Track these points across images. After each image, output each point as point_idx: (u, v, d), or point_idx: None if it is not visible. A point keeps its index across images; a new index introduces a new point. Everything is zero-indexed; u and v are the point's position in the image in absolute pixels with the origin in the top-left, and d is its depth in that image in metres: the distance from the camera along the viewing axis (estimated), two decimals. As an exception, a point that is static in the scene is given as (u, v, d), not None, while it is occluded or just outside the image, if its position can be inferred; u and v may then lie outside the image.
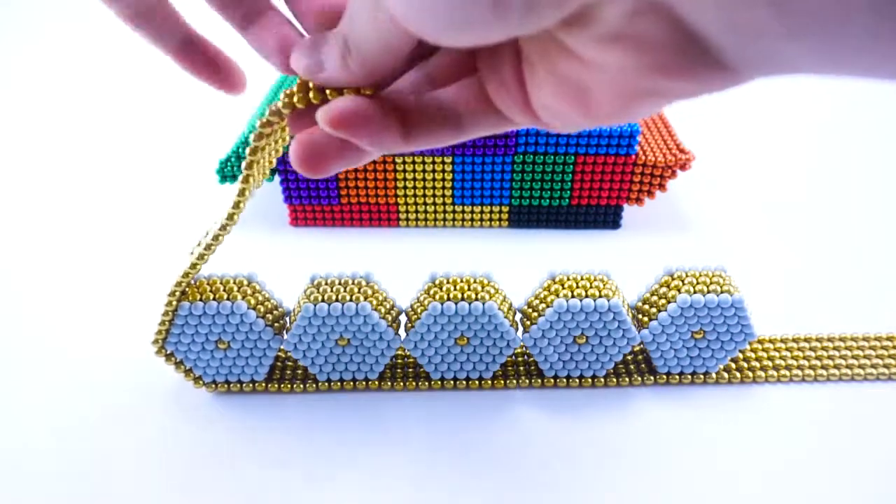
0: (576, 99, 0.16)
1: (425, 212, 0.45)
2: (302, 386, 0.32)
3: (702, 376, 0.32)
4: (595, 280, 0.30)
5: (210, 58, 0.28)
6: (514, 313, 0.32)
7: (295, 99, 0.19)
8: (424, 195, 0.44)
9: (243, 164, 0.24)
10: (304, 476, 0.28)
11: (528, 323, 0.31)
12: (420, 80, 0.21)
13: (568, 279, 0.30)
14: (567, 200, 0.44)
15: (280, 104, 0.20)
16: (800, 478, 0.28)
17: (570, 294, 0.29)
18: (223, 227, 0.26)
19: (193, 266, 0.27)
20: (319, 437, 0.30)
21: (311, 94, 0.19)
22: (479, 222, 0.46)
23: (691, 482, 0.28)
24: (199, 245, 0.28)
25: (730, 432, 0.30)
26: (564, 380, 0.32)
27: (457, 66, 0.21)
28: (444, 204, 0.45)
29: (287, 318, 0.31)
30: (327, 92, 0.19)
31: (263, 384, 0.32)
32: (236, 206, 0.25)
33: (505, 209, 0.45)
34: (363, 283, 0.30)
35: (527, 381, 0.32)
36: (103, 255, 0.42)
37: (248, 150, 0.23)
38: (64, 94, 0.66)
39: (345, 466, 0.28)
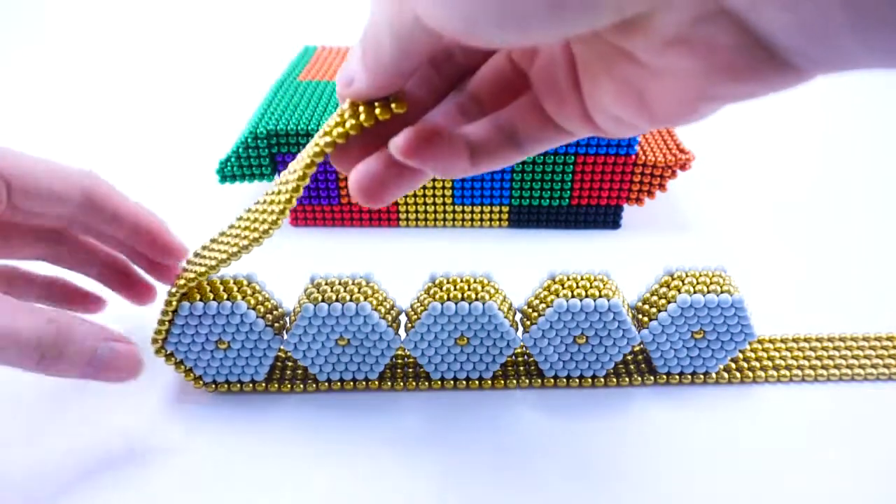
0: (639, 103, 0.16)
1: (425, 212, 0.45)
2: (302, 386, 0.32)
3: (702, 376, 0.32)
4: (595, 280, 0.30)
5: (126, 277, 0.32)
6: (514, 313, 0.32)
7: (347, 125, 0.20)
8: (424, 195, 0.44)
9: (290, 187, 0.23)
10: (304, 476, 0.28)
11: (528, 323, 0.31)
12: (466, 104, 0.21)
13: (568, 279, 0.30)
14: (567, 200, 0.44)
15: (336, 134, 0.20)
16: (800, 478, 0.28)
17: (570, 294, 0.29)
18: (253, 241, 0.25)
19: (211, 268, 0.27)
20: (319, 437, 0.30)
21: (361, 115, 0.19)
22: (479, 222, 0.46)
23: (691, 482, 0.28)
24: (210, 249, 0.28)
25: (730, 432, 0.30)
26: (564, 380, 0.32)
27: (502, 87, 0.21)
28: (444, 204, 0.45)
29: (287, 318, 0.31)
30: (377, 112, 0.19)
31: (263, 384, 0.32)
32: (275, 223, 0.24)
33: (505, 209, 0.45)
34: (363, 283, 0.30)
35: (527, 381, 0.32)
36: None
37: (297, 176, 0.23)
38: (64, 93, 0.66)
39: (345, 466, 0.28)
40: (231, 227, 0.27)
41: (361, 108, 0.20)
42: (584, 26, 0.13)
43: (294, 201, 0.23)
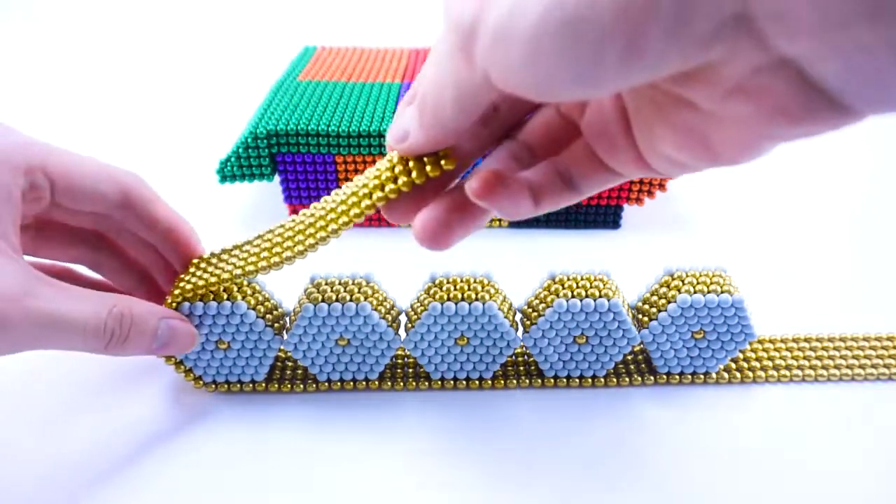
0: (700, 147, 0.17)
1: (425, 212, 0.45)
2: (302, 386, 0.32)
3: (702, 376, 0.32)
4: (595, 280, 0.30)
5: (151, 287, 0.32)
6: (514, 313, 0.32)
7: (400, 182, 0.21)
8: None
9: (330, 229, 0.24)
10: (305, 476, 0.28)
11: (528, 323, 0.31)
12: (519, 152, 0.22)
13: (568, 279, 0.30)
14: (567, 200, 0.44)
15: (389, 190, 0.22)
16: (800, 478, 0.28)
17: (570, 294, 0.29)
18: (273, 265, 0.26)
19: (220, 280, 0.27)
20: (319, 437, 0.30)
21: (413, 173, 0.21)
22: (479, 222, 0.46)
23: (691, 482, 0.28)
24: (221, 259, 0.28)
25: (730, 432, 0.30)
26: (564, 380, 0.32)
27: (553, 136, 0.22)
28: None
29: (287, 318, 0.31)
30: (428, 169, 0.20)
31: (263, 384, 0.32)
32: (301, 253, 0.25)
33: (505, 209, 0.45)
34: (363, 283, 0.30)
35: (527, 381, 0.32)
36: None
37: (342, 221, 0.24)
38: (64, 93, 0.66)
39: (345, 466, 0.28)
40: (249, 242, 0.28)
41: (412, 165, 0.21)
42: (650, 77, 0.14)
43: (328, 241, 0.24)
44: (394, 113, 0.43)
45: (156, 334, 0.25)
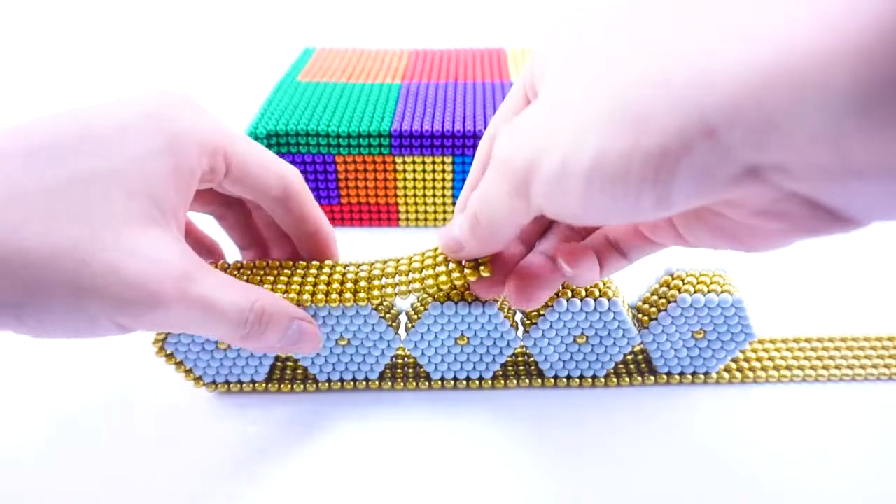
0: (733, 242, 0.20)
1: (425, 212, 0.45)
2: (302, 386, 0.32)
3: (702, 376, 0.32)
4: (595, 280, 0.30)
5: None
6: (514, 313, 0.32)
7: (448, 286, 0.26)
8: (424, 195, 0.44)
9: (404, 288, 0.27)
10: (304, 476, 0.28)
11: (529, 323, 0.31)
12: (570, 234, 0.26)
13: (568, 279, 0.30)
14: (567, 200, 0.44)
15: (444, 291, 0.28)
16: (800, 478, 0.28)
17: (570, 294, 0.29)
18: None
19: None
20: (320, 437, 0.30)
21: (456, 279, 0.25)
22: (479, 222, 0.46)
23: (691, 482, 0.28)
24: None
25: (730, 432, 0.30)
26: (564, 380, 0.32)
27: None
28: (444, 204, 0.45)
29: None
30: (467, 273, 0.25)
31: (263, 384, 0.32)
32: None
33: (505, 209, 0.45)
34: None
35: (527, 381, 0.32)
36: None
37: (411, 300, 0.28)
38: (64, 93, 0.66)
39: (345, 466, 0.28)
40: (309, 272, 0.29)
41: (454, 267, 0.25)
42: (684, 211, 0.17)
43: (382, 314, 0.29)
44: (394, 113, 0.43)
45: (286, 333, 0.25)
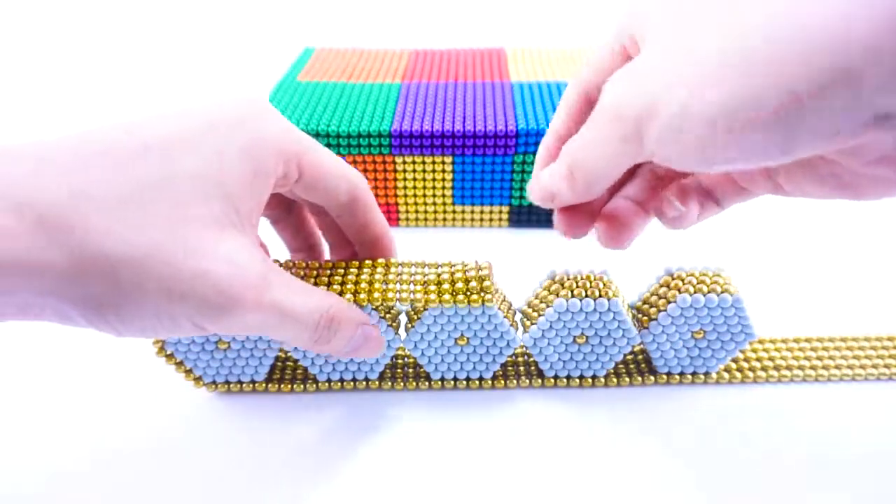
0: (843, 190, 0.20)
1: (425, 212, 0.45)
2: (302, 386, 0.32)
3: (702, 376, 0.32)
4: (595, 280, 0.30)
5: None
6: (514, 313, 0.32)
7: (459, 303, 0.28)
8: (424, 195, 0.44)
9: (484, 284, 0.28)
10: (304, 476, 0.28)
11: (528, 323, 0.31)
12: (653, 180, 0.26)
13: (568, 279, 0.30)
14: (567, 200, 0.44)
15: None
16: (800, 478, 0.28)
17: (570, 294, 0.29)
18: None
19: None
20: (319, 437, 0.30)
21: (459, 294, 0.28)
22: (479, 222, 0.46)
23: (691, 482, 0.28)
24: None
25: (730, 432, 0.30)
26: (564, 380, 0.32)
27: None
28: (444, 204, 0.45)
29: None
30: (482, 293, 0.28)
31: (263, 384, 0.32)
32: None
33: (505, 209, 0.45)
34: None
35: (527, 381, 0.32)
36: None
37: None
38: (64, 93, 0.66)
39: (345, 466, 0.28)
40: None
41: (460, 287, 0.28)
42: (806, 156, 0.17)
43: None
44: (394, 113, 0.43)
45: (352, 339, 0.26)
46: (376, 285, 0.28)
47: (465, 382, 0.32)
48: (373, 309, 0.29)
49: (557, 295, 0.29)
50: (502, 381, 0.32)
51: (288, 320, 0.23)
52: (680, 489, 0.27)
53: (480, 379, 0.32)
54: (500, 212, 0.45)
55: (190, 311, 0.21)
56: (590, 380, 0.32)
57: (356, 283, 0.28)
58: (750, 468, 0.28)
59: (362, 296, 0.27)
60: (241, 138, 0.22)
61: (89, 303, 0.20)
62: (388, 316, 0.30)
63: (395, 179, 0.43)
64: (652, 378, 0.32)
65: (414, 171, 0.43)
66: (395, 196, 0.44)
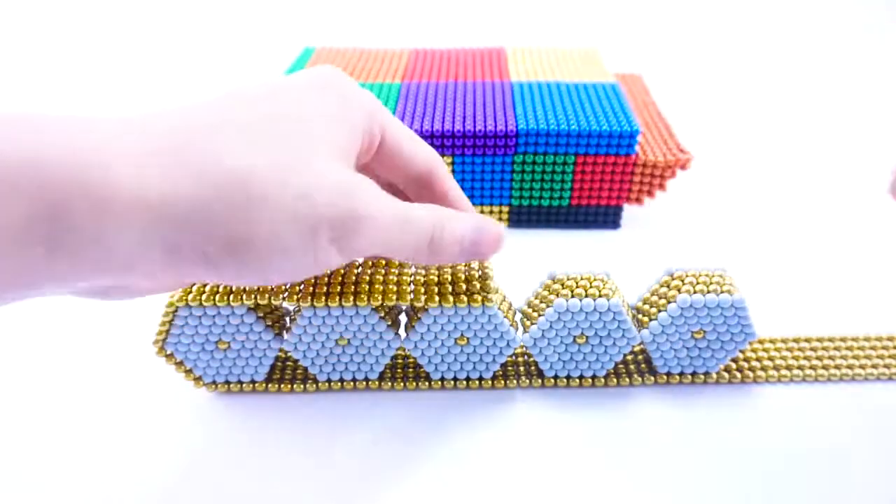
0: None
1: (425, 212, 0.45)
2: (302, 386, 0.32)
3: (702, 376, 0.32)
4: (595, 280, 0.30)
5: None
6: (514, 313, 0.32)
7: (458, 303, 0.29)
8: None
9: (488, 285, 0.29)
10: (304, 476, 0.28)
11: (528, 323, 0.31)
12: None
13: (568, 279, 0.30)
14: (567, 200, 0.44)
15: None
16: (800, 478, 0.28)
17: (570, 294, 0.29)
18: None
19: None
20: (319, 437, 0.30)
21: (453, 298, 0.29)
22: (479, 222, 0.46)
23: (691, 482, 0.28)
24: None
25: (730, 432, 0.30)
26: (564, 380, 0.32)
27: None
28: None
29: (287, 319, 0.31)
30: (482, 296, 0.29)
31: (263, 384, 0.32)
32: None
33: (505, 209, 0.45)
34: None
35: (527, 381, 0.32)
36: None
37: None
38: (63, 93, 0.66)
39: (345, 466, 0.28)
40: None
41: (461, 289, 0.29)
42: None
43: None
44: (393, 113, 0.43)
45: (463, 245, 0.25)
46: (376, 285, 0.28)
47: (465, 382, 0.32)
48: (373, 309, 0.29)
49: (557, 295, 0.29)
50: (502, 381, 0.32)
51: (410, 227, 0.23)
52: (680, 489, 0.27)
53: (480, 379, 0.32)
54: (500, 212, 0.45)
55: (322, 222, 0.20)
56: (590, 380, 0.32)
57: (356, 282, 0.28)
58: (750, 468, 0.28)
59: (362, 296, 0.27)
60: (336, 98, 0.23)
61: (216, 231, 0.19)
62: (388, 316, 0.30)
63: (395, 179, 0.43)
64: (652, 378, 0.32)
65: (414, 171, 0.43)
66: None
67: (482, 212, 0.45)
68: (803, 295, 0.39)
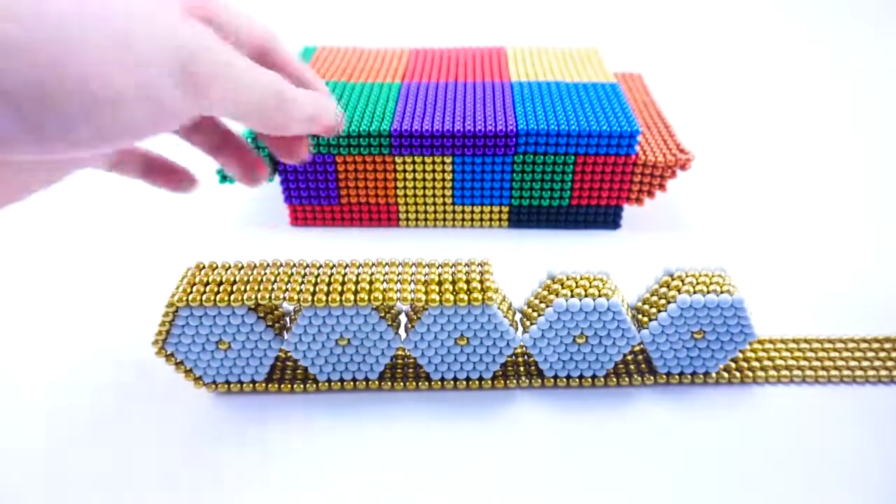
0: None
1: (425, 212, 0.45)
2: (302, 386, 0.32)
3: (702, 376, 0.32)
4: (595, 280, 0.30)
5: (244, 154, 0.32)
6: (514, 313, 0.32)
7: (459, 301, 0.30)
8: (424, 195, 0.44)
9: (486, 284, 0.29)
10: (305, 476, 0.28)
11: (528, 323, 0.31)
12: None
13: (567, 279, 0.30)
14: (567, 200, 0.44)
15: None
16: (800, 478, 0.28)
17: (569, 294, 0.29)
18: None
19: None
20: (319, 437, 0.30)
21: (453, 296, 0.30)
22: (479, 222, 0.46)
23: (691, 482, 0.28)
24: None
25: (730, 432, 0.30)
26: (564, 380, 0.32)
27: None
28: (444, 204, 0.45)
29: (287, 319, 0.31)
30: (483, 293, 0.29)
31: (263, 384, 0.32)
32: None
33: (505, 209, 0.45)
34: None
35: (527, 381, 0.32)
36: (104, 254, 0.42)
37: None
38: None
39: (345, 466, 0.28)
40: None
41: (460, 288, 0.29)
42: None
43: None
44: (394, 113, 0.43)
45: (316, 102, 0.25)
46: (376, 285, 0.28)
47: (465, 382, 0.32)
48: (373, 309, 0.29)
49: (557, 295, 0.29)
50: (502, 381, 0.32)
51: (256, 77, 0.22)
52: (680, 489, 0.27)
53: (480, 379, 0.32)
54: (500, 212, 0.45)
55: (161, 65, 0.19)
56: (590, 380, 0.32)
57: (356, 282, 0.28)
58: (750, 468, 0.28)
59: (362, 295, 0.27)
60: None
61: (23, 70, 0.16)
62: (388, 316, 0.30)
63: (395, 179, 0.43)
64: (652, 378, 0.32)
65: (414, 171, 0.43)
66: (395, 196, 0.44)
67: (482, 212, 0.45)
68: (803, 295, 0.39)
